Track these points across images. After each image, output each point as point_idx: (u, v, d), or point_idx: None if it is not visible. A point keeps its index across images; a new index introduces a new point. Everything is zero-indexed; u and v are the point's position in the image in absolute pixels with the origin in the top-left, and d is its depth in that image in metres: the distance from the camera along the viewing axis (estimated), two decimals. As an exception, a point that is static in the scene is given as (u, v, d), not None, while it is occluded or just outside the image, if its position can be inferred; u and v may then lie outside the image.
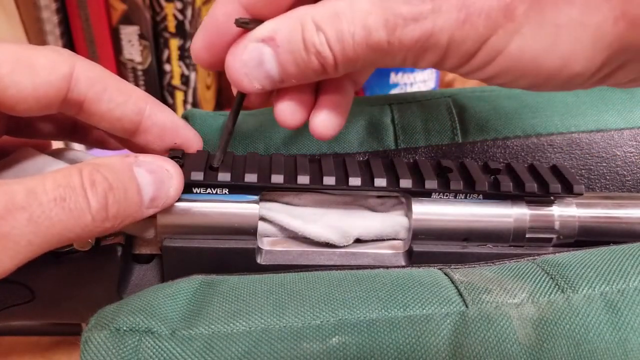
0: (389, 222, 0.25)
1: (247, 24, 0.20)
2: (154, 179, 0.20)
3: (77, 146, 0.47)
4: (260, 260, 0.24)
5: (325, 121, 0.23)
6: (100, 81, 0.22)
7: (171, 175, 0.21)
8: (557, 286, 0.20)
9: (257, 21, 0.20)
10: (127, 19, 0.65)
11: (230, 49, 0.21)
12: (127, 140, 0.24)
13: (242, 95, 0.23)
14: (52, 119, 0.26)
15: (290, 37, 0.19)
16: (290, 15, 0.20)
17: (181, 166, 0.23)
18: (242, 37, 0.20)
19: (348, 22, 0.18)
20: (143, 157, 0.21)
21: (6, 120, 0.23)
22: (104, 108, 0.22)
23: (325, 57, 0.19)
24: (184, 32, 0.67)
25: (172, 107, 0.71)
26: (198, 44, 0.22)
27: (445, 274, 0.21)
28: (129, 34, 0.66)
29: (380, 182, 0.23)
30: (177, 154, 0.24)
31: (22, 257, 0.17)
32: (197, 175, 0.23)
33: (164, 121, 0.23)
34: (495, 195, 0.24)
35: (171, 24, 0.66)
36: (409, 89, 0.75)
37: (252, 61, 0.20)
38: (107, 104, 0.22)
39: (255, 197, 0.23)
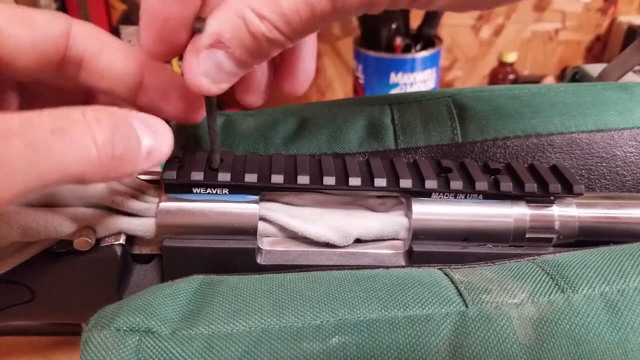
0: (389, 222, 0.25)
1: (199, 30, 0.20)
2: (149, 131, 0.20)
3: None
4: (260, 260, 0.24)
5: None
6: (98, 38, 0.22)
7: (164, 131, 0.21)
8: (557, 286, 0.20)
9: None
10: (127, 19, 0.65)
11: (184, 62, 0.21)
12: (132, 104, 0.24)
13: (210, 97, 0.22)
14: (60, 92, 0.26)
15: (236, 35, 0.19)
16: (228, 11, 0.19)
17: (181, 166, 0.23)
18: (191, 45, 0.20)
19: (288, 2, 0.18)
20: (137, 112, 0.20)
21: (17, 91, 0.23)
22: (103, 64, 0.22)
23: (276, 38, 0.19)
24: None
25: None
26: (148, 41, 0.21)
27: (445, 274, 0.21)
28: (129, 34, 0.66)
29: (380, 182, 0.23)
30: (176, 154, 0.24)
31: (21, 187, 0.16)
32: (197, 175, 0.23)
33: (166, 76, 0.23)
34: (495, 195, 0.24)
35: (171, 24, 0.66)
36: (409, 89, 0.75)
37: (211, 69, 0.20)
38: (107, 60, 0.22)
39: (255, 197, 0.23)
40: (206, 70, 0.20)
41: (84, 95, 0.26)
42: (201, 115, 0.25)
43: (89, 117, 0.18)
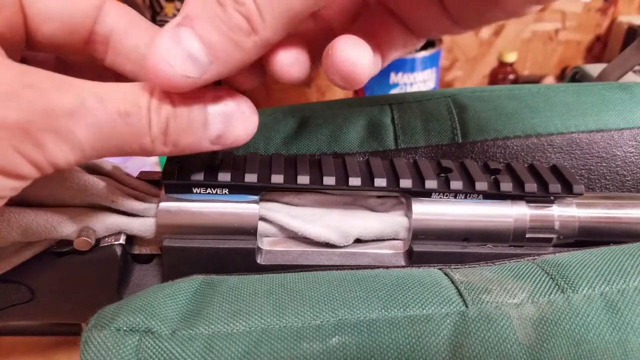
0: (389, 222, 0.25)
1: None
2: (224, 117, 0.19)
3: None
4: (260, 260, 0.24)
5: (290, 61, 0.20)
6: (128, 17, 0.22)
7: (245, 116, 0.20)
8: (557, 286, 0.20)
9: None
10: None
11: (150, 50, 0.18)
12: None
13: None
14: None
15: (202, 5, 0.17)
16: None
17: (181, 166, 0.23)
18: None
19: None
20: (219, 92, 0.20)
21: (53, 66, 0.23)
22: (129, 45, 0.22)
23: (244, 2, 0.17)
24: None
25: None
26: None
27: (445, 274, 0.21)
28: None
29: (380, 182, 0.23)
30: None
31: (83, 155, 0.18)
32: (197, 175, 0.23)
33: None
34: (495, 195, 0.24)
35: (171, 24, 0.66)
36: (409, 89, 0.75)
37: (170, 47, 0.17)
38: (133, 40, 0.22)
39: (255, 197, 0.23)
40: (164, 49, 0.17)
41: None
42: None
43: (153, 104, 0.18)
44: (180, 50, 0.17)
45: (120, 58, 0.22)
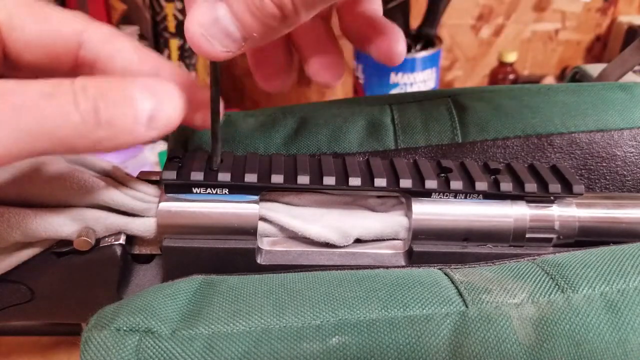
0: (389, 222, 0.25)
1: None
2: (150, 97, 0.19)
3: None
4: (260, 260, 0.24)
5: (323, 66, 0.22)
6: (113, 42, 0.21)
7: (170, 95, 0.20)
8: (557, 286, 0.20)
9: None
10: (127, 19, 0.65)
11: (187, 16, 0.20)
12: None
13: (215, 64, 0.21)
14: None
15: None
16: None
17: (181, 166, 0.23)
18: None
19: None
20: (141, 78, 0.20)
21: None
22: (118, 68, 0.22)
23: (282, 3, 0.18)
24: (184, 32, 0.67)
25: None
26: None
27: (445, 274, 0.21)
28: (129, 34, 0.66)
29: (380, 182, 0.23)
30: (177, 154, 0.24)
31: (10, 147, 0.17)
32: (197, 175, 0.23)
33: (185, 82, 0.23)
34: (495, 195, 0.24)
35: (171, 24, 0.66)
36: (409, 89, 0.75)
37: (208, 21, 0.19)
38: (121, 62, 0.22)
39: (255, 197, 0.23)
40: (203, 22, 0.19)
41: None
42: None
43: (76, 85, 0.18)
44: (218, 28, 0.19)
45: None
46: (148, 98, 0.19)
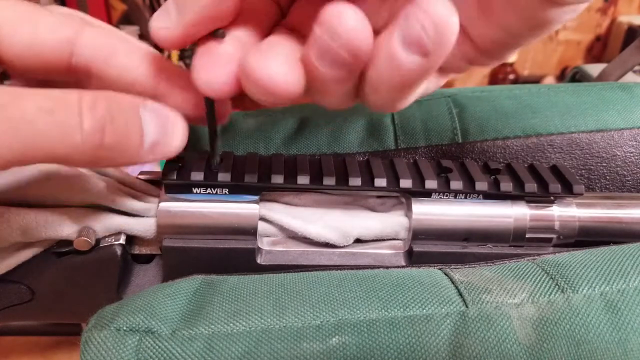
0: (389, 222, 0.25)
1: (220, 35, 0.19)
2: (157, 124, 0.19)
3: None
4: (260, 260, 0.24)
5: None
6: (108, 47, 0.21)
7: (176, 125, 0.20)
8: (557, 286, 0.20)
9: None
10: (127, 19, 0.65)
11: (197, 59, 0.19)
12: None
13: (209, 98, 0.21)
14: None
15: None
16: None
17: (181, 166, 0.23)
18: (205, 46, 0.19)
19: None
20: (151, 102, 0.20)
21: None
22: (114, 73, 0.21)
23: None
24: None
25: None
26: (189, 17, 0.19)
27: (445, 274, 0.21)
28: (129, 34, 0.66)
29: (380, 182, 0.23)
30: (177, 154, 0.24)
31: (4, 155, 0.16)
32: (197, 175, 0.23)
33: (183, 81, 0.22)
34: (495, 195, 0.24)
35: (171, 24, 0.66)
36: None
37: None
38: (118, 68, 0.21)
39: (255, 197, 0.23)
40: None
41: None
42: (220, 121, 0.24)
43: (85, 102, 0.17)
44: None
45: (107, 83, 0.21)
46: (154, 127, 0.19)
